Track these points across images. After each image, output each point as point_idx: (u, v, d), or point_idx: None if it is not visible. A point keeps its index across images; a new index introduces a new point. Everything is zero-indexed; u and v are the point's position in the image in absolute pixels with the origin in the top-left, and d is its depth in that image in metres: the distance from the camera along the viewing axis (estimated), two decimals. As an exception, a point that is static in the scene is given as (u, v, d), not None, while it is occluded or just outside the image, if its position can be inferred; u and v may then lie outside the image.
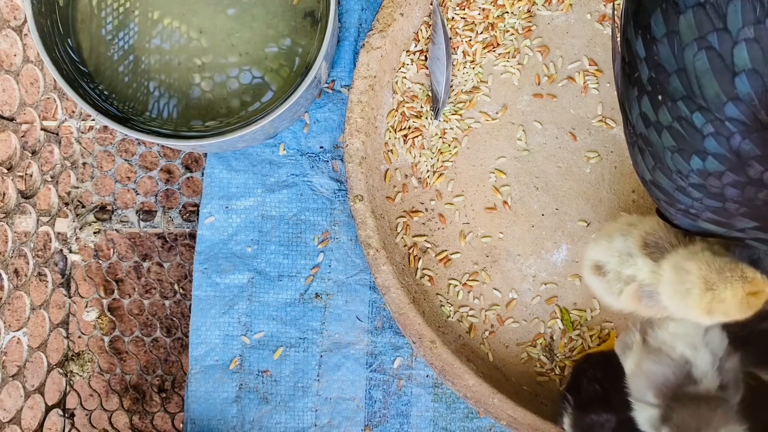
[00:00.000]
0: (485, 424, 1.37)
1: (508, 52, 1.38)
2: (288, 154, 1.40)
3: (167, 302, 1.56)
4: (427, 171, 1.38)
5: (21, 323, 1.32)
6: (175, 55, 1.28)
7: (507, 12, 1.38)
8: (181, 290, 1.57)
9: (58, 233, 1.46)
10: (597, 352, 1.31)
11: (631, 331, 1.09)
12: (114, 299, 1.57)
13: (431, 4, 1.37)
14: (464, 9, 1.38)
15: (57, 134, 1.46)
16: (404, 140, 1.38)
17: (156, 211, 1.48)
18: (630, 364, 1.07)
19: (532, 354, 1.35)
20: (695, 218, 0.93)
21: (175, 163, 1.52)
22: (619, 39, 0.98)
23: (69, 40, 1.26)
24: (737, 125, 0.80)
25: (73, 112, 1.49)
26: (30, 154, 1.34)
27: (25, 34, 1.29)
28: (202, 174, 1.42)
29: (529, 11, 1.38)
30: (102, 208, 1.49)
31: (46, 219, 1.41)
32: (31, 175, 1.36)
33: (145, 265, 1.58)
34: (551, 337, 1.36)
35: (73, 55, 1.26)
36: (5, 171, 1.27)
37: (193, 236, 1.49)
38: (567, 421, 1.19)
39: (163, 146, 1.51)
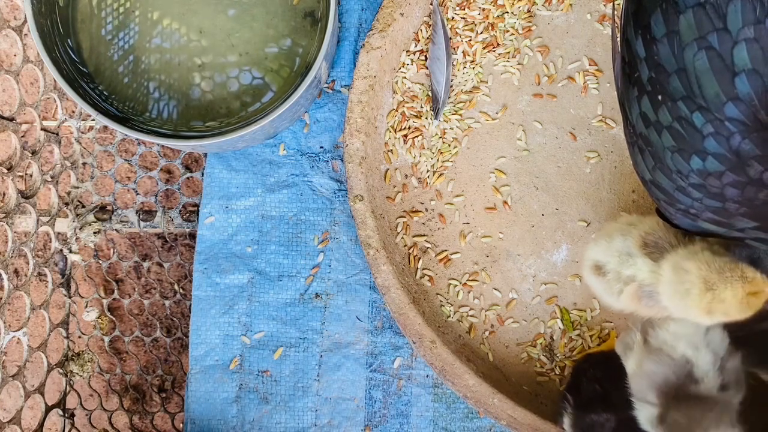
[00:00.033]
0: (485, 424, 1.36)
1: (508, 52, 1.37)
2: (288, 154, 1.40)
3: (167, 302, 1.56)
4: (427, 171, 1.38)
5: (21, 323, 1.32)
6: (175, 55, 1.28)
7: (507, 12, 1.38)
8: (181, 290, 1.57)
9: (58, 233, 1.46)
10: (597, 352, 1.31)
11: (632, 331, 1.09)
12: (114, 299, 1.57)
13: (431, 4, 1.37)
14: (464, 9, 1.38)
15: (57, 134, 1.46)
16: (404, 140, 1.38)
17: (156, 211, 1.48)
18: (631, 364, 1.07)
19: (532, 354, 1.35)
20: (695, 218, 0.93)
21: (175, 163, 1.52)
22: (619, 39, 0.98)
23: (69, 40, 1.26)
24: (737, 125, 0.80)
25: (73, 112, 1.49)
26: (30, 154, 1.34)
27: (25, 34, 1.29)
28: (202, 174, 1.42)
29: (529, 11, 1.38)
30: (102, 208, 1.49)
31: (46, 219, 1.41)
32: (31, 175, 1.36)
33: (145, 265, 1.58)
34: (551, 337, 1.36)
35: (73, 55, 1.26)
36: (5, 171, 1.27)
37: (193, 236, 1.49)
38: (567, 421, 1.19)
39: (163, 146, 1.51)
